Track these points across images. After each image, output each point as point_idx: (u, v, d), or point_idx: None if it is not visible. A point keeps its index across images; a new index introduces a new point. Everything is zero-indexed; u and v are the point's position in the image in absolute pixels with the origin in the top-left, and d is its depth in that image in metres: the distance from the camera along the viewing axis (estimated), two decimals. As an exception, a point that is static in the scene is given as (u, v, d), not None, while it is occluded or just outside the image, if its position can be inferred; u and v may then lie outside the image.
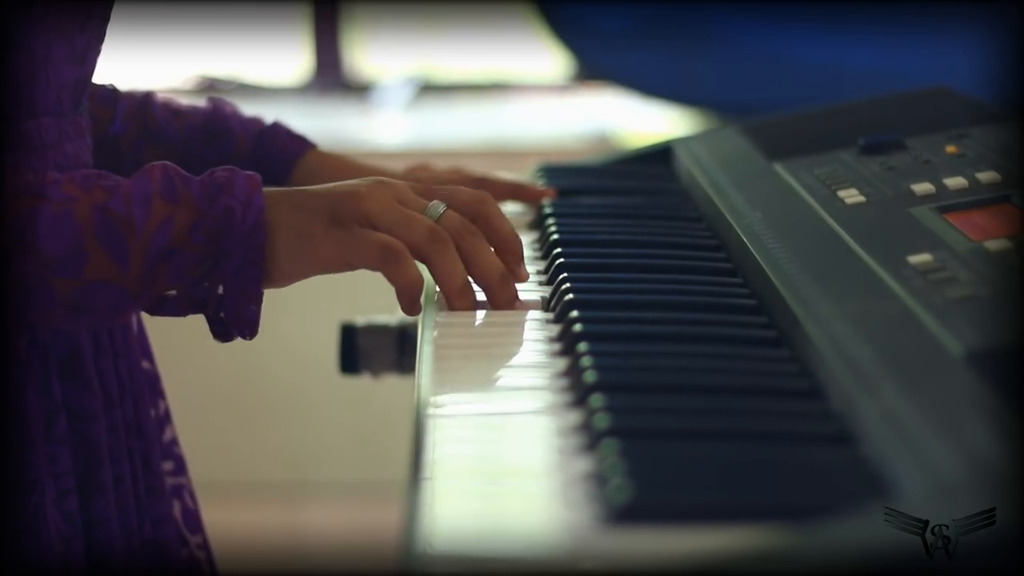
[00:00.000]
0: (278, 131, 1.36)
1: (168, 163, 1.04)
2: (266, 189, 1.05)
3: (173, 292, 1.04)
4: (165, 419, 1.25)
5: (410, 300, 1.06)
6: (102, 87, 1.30)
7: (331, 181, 1.33)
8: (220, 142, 1.34)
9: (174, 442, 1.26)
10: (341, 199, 1.06)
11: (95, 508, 1.14)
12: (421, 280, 1.06)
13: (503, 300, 1.10)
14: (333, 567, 2.83)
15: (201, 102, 1.36)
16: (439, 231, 1.07)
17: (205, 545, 1.26)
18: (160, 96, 1.35)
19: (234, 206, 1.02)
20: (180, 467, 1.26)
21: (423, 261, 1.07)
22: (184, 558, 1.23)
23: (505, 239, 1.12)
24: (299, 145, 1.36)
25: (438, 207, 1.09)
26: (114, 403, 1.16)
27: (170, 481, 1.24)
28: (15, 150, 1.08)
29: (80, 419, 1.13)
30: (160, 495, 1.21)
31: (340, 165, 1.36)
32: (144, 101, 1.33)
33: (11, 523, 1.09)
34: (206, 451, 3.08)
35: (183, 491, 1.26)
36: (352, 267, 1.06)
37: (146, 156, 1.31)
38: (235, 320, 1.04)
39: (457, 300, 1.09)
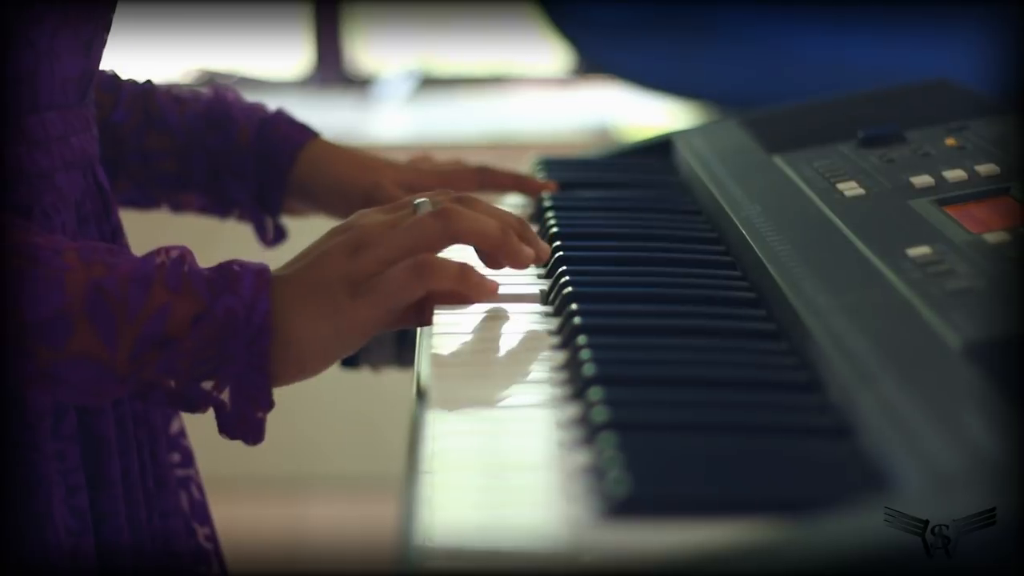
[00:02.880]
0: (280, 120, 1.36)
1: (186, 249, 1.00)
2: (274, 275, 1.00)
3: (172, 383, 0.99)
4: (173, 411, 1.25)
5: (474, 287, 1.04)
6: (103, 73, 1.30)
7: (336, 173, 1.33)
8: (222, 130, 1.34)
9: (182, 434, 1.26)
10: (346, 261, 1.01)
11: (103, 502, 1.14)
12: (465, 265, 1.03)
13: (512, 252, 1.08)
14: (334, 560, 2.83)
15: (203, 90, 1.36)
16: (444, 207, 1.05)
17: (213, 536, 1.26)
18: (162, 84, 1.35)
19: (236, 308, 0.98)
20: (188, 459, 1.26)
21: (453, 242, 1.04)
22: (192, 549, 1.23)
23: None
24: (302, 135, 1.36)
25: (423, 202, 1.07)
26: (121, 398, 1.16)
27: (178, 473, 1.24)
28: (18, 144, 1.08)
29: (88, 414, 1.13)
30: (167, 488, 1.21)
31: (344, 156, 1.36)
32: (146, 88, 1.33)
33: (16, 522, 1.09)
34: (207, 445, 3.09)
35: (190, 483, 1.26)
36: (397, 313, 1.01)
37: (149, 143, 1.31)
38: (239, 425, 1.00)
39: (505, 245, 1.06)
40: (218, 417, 1.00)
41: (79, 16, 1.09)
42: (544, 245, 1.13)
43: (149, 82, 1.34)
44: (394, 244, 1.02)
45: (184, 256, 0.99)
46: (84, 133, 1.13)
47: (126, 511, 1.15)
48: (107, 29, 1.13)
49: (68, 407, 1.11)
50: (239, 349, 0.98)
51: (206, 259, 1.02)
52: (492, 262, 1.09)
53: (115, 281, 0.97)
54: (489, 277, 1.07)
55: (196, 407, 1.00)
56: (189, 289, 0.98)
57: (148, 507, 1.18)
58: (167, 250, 1.00)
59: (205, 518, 1.26)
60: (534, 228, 1.33)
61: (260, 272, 0.99)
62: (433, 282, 1.01)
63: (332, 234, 1.04)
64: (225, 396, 1.00)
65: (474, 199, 1.09)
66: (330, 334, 0.99)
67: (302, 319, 0.99)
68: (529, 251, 1.09)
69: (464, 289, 1.04)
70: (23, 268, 0.97)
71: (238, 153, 1.34)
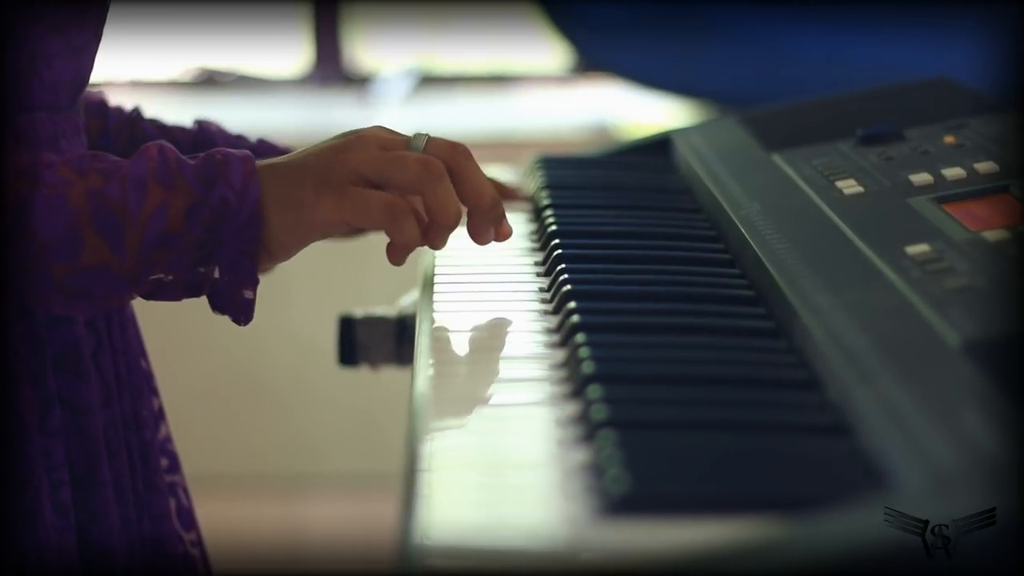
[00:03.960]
0: (262, 150, 1.35)
1: (164, 144, 1.04)
2: (258, 164, 1.04)
3: (170, 277, 1.03)
4: (159, 416, 1.25)
5: (402, 255, 1.08)
6: (92, 97, 1.29)
7: None
8: None
9: (168, 439, 1.26)
10: (327, 161, 1.05)
11: (94, 502, 1.14)
12: (419, 238, 1.07)
13: (493, 220, 1.12)
14: (332, 558, 2.83)
15: (187, 123, 1.35)
16: (432, 161, 1.07)
17: (199, 542, 1.26)
18: (147, 116, 1.35)
19: (229, 197, 1.02)
20: (174, 465, 1.26)
21: (418, 195, 1.07)
22: (180, 555, 1.23)
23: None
24: None
25: (421, 138, 1.09)
26: (113, 398, 1.16)
27: (164, 478, 1.24)
28: (6, 141, 1.08)
29: (77, 413, 1.13)
30: (158, 491, 1.21)
31: None
32: (133, 117, 1.33)
33: (9, 515, 1.09)
34: (205, 444, 3.09)
35: (177, 488, 1.26)
36: (350, 227, 1.06)
37: None
38: (230, 305, 1.04)
39: (445, 229, 1.08)
40: (212, 298, 1.04)
41: (70, 23, 1.09)
42: (507, 226, 1.14)
43: (136, 109, 1.34)
44: (369, 160, 1.05)
45: (167, 151, 1.03)
46: (73, 138, 1.13)
47: (118, 512, 1.15)
48: (98, 38, 1.14)
49: (54, 402, 1.12)
50: (231, 235, 1.02)
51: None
52: (475, 233, 1.13)
53: (116, 188, 1.01)
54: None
55: (201, 291, 1.04)
56: (181, 183, 1.02)
57: (139, 509, 1.18)
58: (147, 148, 1.03)
59: (191, 524, 1.26)
60: (532, 226, 1.33)
61: (246, 159, 1.03)
62: (396, 231, 1.05)
63: (335, 136, 1.08)
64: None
65: (470, 167, 1.10)
66: (292, 225, 1.03)
67: (275, 206, 1.03)
68: (504, 219, 1.12)
69: (397, 256, 1.08)
70: (30, 191, 1.00)
71: None
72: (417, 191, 1.07)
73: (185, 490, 1.27)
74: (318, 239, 1.06)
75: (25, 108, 1.09)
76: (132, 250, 1.01)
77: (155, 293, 1.04)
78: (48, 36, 1.08)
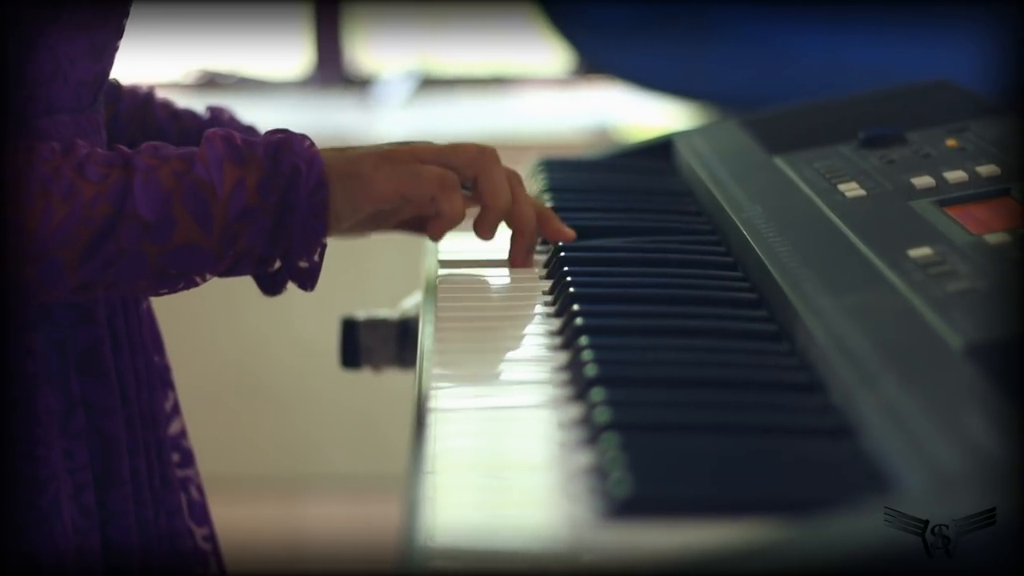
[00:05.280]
0: None
1: (225, 129, 1.09)
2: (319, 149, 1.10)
3: (247, 250, 1.08)
4: (174, 412, 1.26)
5: (444, 230, 1.14)
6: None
7: None
8: None
9: (182, 434, 1.27)
10: (389, 145, 1.12)
11: (112, 501, 1.15)
12: (463, 213, 1.13)
13: (545, 234, 1.21)
14: (334, 560, 2.83)
15: (200, 109, 1.35)
16: (487, 148, 1.15)
17: (211, 537, 1.27)
18: (160, 96, 1.35)
19: (299, 164, 1.07)
20: (188, 459, 1.27)
21: (474, 176, 1.15)
22: (191, 550, 1.24)
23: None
24: None
25: None
26: (130, 397, 1.17)
27: (178, 473, 1.24)
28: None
29: (98, 413, 1.14)
30: (173, 487, 1.21)
31: None
32: (145, 100, 1.33)
33: (23, 519, 1.09)
34: (207, 445, 3.08)
35: (190, 483, 1.26)
36: (406, 199, 1.11)
37: None
38: (296, 272, 1.09)
39: (494, 219, 1.16)
40: (277, 273, 1.10)
41: (93, 21, 1.10)
42: (567, 230, 1.22)
43: (148, 93, 1.34)
44: (427, 147, 1.13)
45: (231, 135, 1.08)
46: (94, 136, 1.14)
47: (135, 510, 1.16)
48: (120, 35, 1.14)
49: (77, 404, 1.12)
50: (302, 199, 1.07)
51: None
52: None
53: (201, 168, 1.06)
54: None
55: (272, 263, 1.09)
56: (252, 158, 1.07)
57: (155, 506, 1.19)
58: (212, 134, 1.08)
59: (204, 519, 1.27)
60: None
61: (304, 137, 1.10)
62: (445, 200, 1.12)
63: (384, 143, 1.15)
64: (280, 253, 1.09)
65: (518, 179, 1.19)
66: (349, 191, 1.09)
67: (335, 175, 1.09)
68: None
69: (438, 230, 1.14)
70: (127, 176, 1.05)
71: None
72: (474, 171, 1.14)
73: (199, 485, 1.27)
74: (371, 211, 1.11)
75: (48, 111, 1.09)
76: (218, 225, 1.06)
77: (232, 269, 1.09)
78: (73, 36, 1.09)
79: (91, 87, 1.13)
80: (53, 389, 1.11)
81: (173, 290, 1.12)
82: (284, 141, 1.09)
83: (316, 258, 1.09)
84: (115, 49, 1.14)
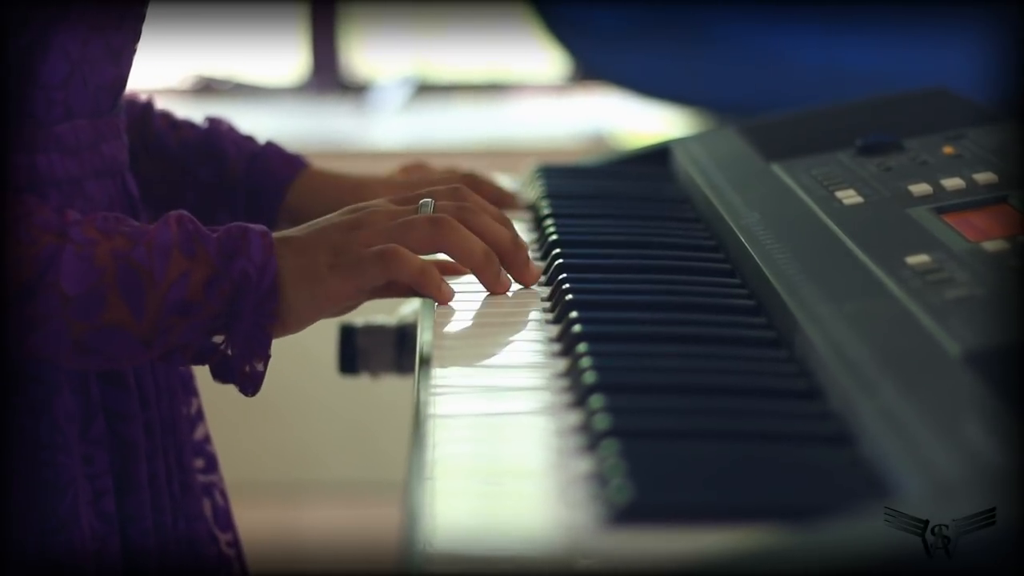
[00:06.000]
0: (270, 154, 1.35)
1: (184, 213, 1.05)
2: (275, 237, 1.06)
3: (182, 344, 1.04)
4: (197, 417, 1.26)
5: (432, 287, 1.08)
6: None
7: (327, 202, 1.33)
8: (214, 162, 1.34)
9: (206, 440, 1.27)
10: (339, 235, 1.07)
11: (130, 506, 1.15)
12: (428, 265, 1.08)
13: (519, 263, 1.13)
14: (332, 567, 2.83)
15: (199, 120, 1.36)
16: (441, 217, 1.09)
17: (235, 543, 1.27)
18: (159, 107, 1.35)
19: (250, 271, 1.04)
20: (211, 465, 1.27)
21: (438, 251, 1.09)
22: (213, 555, 1.24)
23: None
24: (290, 170, 1.35)
25: (427, 204, 1.11)
26: (150, 403, 1.17)
27: (201, 479, 1.25)
28: (49, 152, 1.09)
29: (117, 419, 1.14)
30: (193, 493, 1.22)
31: (334, 182, 1.35)
32: (144, 110, 1.33)
33: (42, 525, 1.09)
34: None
35: (214, 489, 1.26)
36: (365, 292, 1.07)
37: (143, 167, 1.31)
38: (240, 376, 1.06)
39: (485, 270, 1.11)
40: (219, 367, 1.06)
41: (107, 23, 1.10)
42: (534, 269, 1.15)
43: (147, 103, 1.34)
44: (381, 232, 1.07)
45: (187, 220, 1.05)
46: (114, 141, 1.14)
47: (153, 516, 1.16)
48: (137, 38, 1.14)
49: (97, 410, 1.12)
50: (248, 308, 1.04)
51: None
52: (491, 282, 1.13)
53: (143, 252, 1.03)
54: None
55: (207, 360, 1.06)
56: (203, 253, 1.03)
57: (174, 512, 1.19)
58: (168, 218, 1.05)
59: (228, 524, 1.27)
60: (533, 235, 1.33)
61: (264, 234, 1.05)
62: (394, 272, 1.06)
63: (343, 212, 1.10)
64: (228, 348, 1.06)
65: (482, 207, 1.13)
66: (308, 298, 1.06)
67: (291, 280, 1.05)
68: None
69: (422, 287, 1.08)
70: (58, 245, 1.01)
71: (229, 188, 1.34)
72: (436, 248, 1.09)
73: (222, 491, 1.27)
74: (336, 313, 1.09)
75: (67, 115, 1.09)
76: (151, 314, 1.03)
77: (166, 357, 1.05)
78: (88, 38, 1.09)
79: (110, 91, 1.13)
80: (73, 395, 1.11)
81: (100, 368, 1.11)
82: (240, 240, 1.04)
83: (260, 368, 1.06)
84: (133, 52, 1.14)
